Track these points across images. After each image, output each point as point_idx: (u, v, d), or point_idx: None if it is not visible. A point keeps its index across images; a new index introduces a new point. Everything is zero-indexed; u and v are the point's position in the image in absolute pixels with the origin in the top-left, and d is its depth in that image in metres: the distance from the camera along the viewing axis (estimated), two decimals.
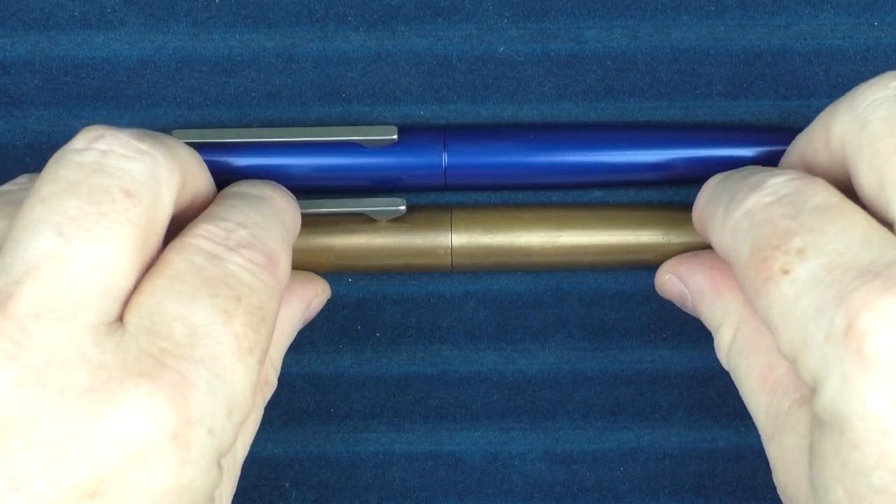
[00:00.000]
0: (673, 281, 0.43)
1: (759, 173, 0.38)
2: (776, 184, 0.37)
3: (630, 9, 0.44)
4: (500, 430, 0.45)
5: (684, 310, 0.43)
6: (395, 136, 0.43)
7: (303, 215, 0.43)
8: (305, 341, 0.45)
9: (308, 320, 0.43)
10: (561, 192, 0.45)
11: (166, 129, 0.44)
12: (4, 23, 0.44)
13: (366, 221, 0.44)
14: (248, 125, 0.45)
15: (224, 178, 0.44)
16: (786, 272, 0.35)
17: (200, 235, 0.36)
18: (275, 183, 0.42)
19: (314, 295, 0.43)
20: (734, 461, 0.45)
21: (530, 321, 0.45)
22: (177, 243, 0.36)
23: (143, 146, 0.36)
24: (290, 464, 0.45)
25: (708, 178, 0.44)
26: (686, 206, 0.44)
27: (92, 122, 0.44)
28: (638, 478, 0.45)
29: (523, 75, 0.45)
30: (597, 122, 0.45)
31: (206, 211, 0.38)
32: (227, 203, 0.38)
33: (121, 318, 0.34)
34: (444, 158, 0.44)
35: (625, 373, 0.45)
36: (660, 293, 0.43)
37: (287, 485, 0.45)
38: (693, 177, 0.44)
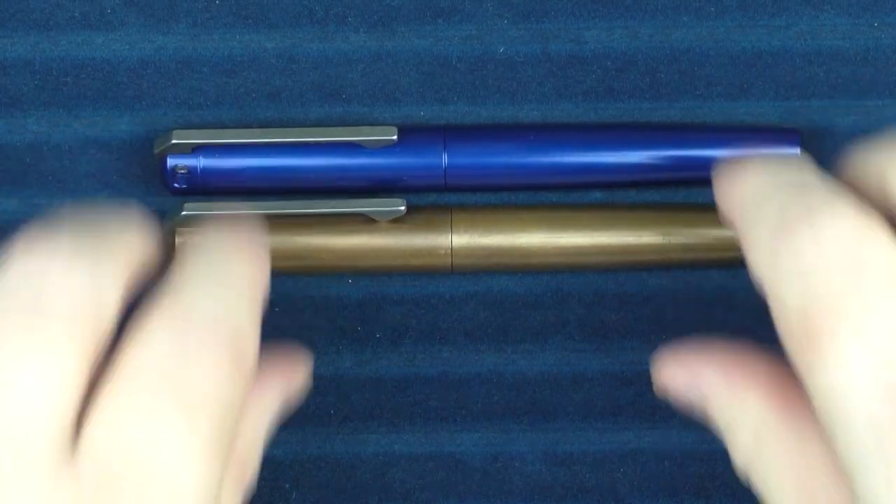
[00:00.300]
0: (678, 375, 0.37)
1: (815, 193, 0.33)
2: (837, 229, 0.31)
3: (630, 9, 0.44)
4: (500, 432, 0.45)
5: (690, 412, 0.37)
6: (395, 137, 0.43)
7: (303, 215, 0.43)
8: (305, 342, 0.45)
9: (289, 401, 0.39)
10: (561, 193, 0.45)
11: (166, 130, 0.44)
12: (4, 23, 0.44)
13: (366, 222, 0.44)
14: (249, 126, 0.45)
15: (224, 178, 0.44)
16: (839, 353, 0.30)
17: (158, 329, 0.33)
18: (244, 231, 0.37)
19: (291, 378, 0.39)
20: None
21: (530, 322, 0.45)
22: (133, 337, 0.33)
23: (79, 262, 0.33)
24: (290, 465, 0.45)
25: (708, 179, 0.44)
26: (686, 207, 0.44)
27: (92, 122, 0.44)
28: (638, 479, 0.45)
29: (523, 76, 0.45)
30: (597, 122, 0.45)
31: (165, 290, 0.34)
32: (188, 280, 0.34)
33: (77, 436, 0.32)
34: (444, 159, 0.44)
35: (625, 374, 0.45)
36: (659, 389, 0.37)
37: (287, 486, 0.45)
38: (693, 178, 0.44)
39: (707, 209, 0.44)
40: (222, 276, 0.35)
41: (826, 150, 0.44)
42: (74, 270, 0.33)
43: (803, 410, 0.34)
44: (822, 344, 0.30)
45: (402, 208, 0.43)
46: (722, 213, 0.35)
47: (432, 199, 0.45)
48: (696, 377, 0.36)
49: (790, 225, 0.32)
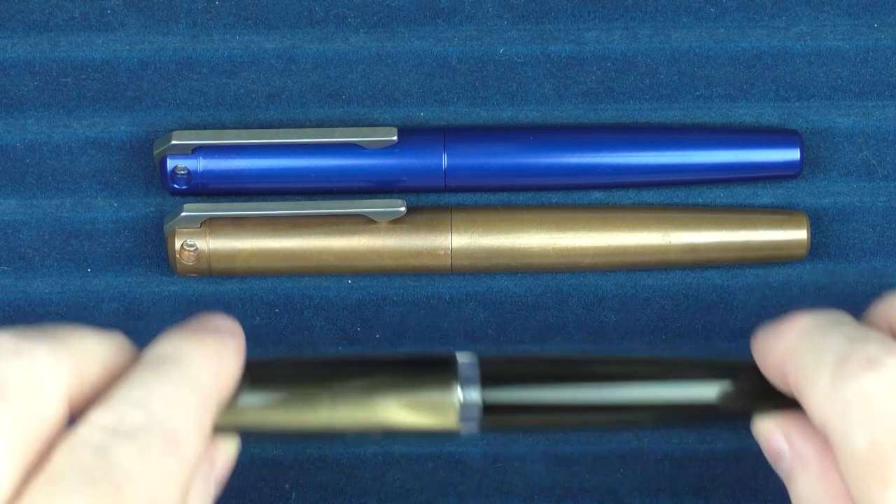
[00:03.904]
0: (778, 437, 0.37)
1: (872, 342, 0.34)
2: None
3: (630, 10, 0.44)
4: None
5: (773, 467, 0.38)
6: (395, 138, 0.43)
7: (303, 216, 0.43)
8: (305, 343, 0.45)
9: (222, 481, 0.38)
10: (561, 194, 0.45)
11: (166, 130, 0.44)
12: (4, 24, 0.44)
13: (366, 223, 0.44)
14: (248, 126, 0.45)
15: (224, 179, 0.44)
16: None
17: (89, 424, 0.33)
18: (213, 325, 0.36)
19: (217, 454, 0.38)
20: (734, 463, 0.45)
21: (530, 323, 0.45)
22: (65, 437, 0.33)
23: (22, 344, 0.33)
24: (290, 465, 0.45)
25: (708, 180, 0.44)
26: (686, 207, 0.44)
27: (92, 122, 0.44)
28: (638, 479, 0.45)
29: (523, 77, 0.45)
30: (597, 123, 0.45)
31: (108, 390, 0.34)
32: (132, 378, 0.34)
33: None
34: (444, 160, 0.44)
35: None
36: (755, 437, 0.38)
37: (287, 486, 0.45)
38: (693, 178, 0.44)
39: (707, 209, 0.44)
40: (171, 373, 0.34)
41: (826, 150, 0.45)
42: (15, 354, 0.33)
43: None
44: (891, 474, 0.32)
45: (402, 209, 0.43)
46: (768, 371, 0.36)
47: (432, 200, 0.45)
48: (794, 445, 0.37)
49: (852, 366, 0.33)
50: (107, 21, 0.44)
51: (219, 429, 0.36)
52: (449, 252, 0.44)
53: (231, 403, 0.36)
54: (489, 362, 0.36)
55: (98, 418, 0.33)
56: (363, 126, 0.44)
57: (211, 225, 0.44)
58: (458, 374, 0.35)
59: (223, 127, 0.44)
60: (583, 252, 0.44)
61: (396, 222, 0.44)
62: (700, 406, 0.37)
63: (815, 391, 0.34)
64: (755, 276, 0.45)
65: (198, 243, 0.43)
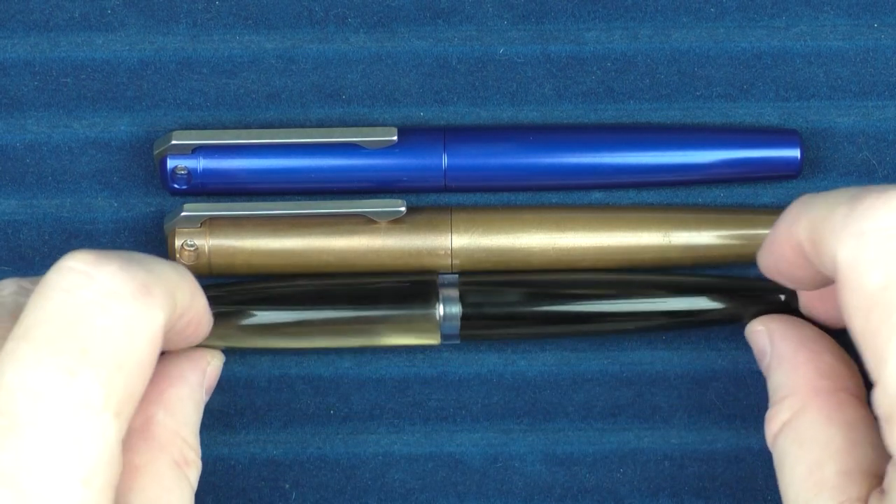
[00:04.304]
0: (762, 335, 0.41)
1: (873, 187, 0.35)
2: None
3: (630, 10, 0.44)
4: (499, 432, 0.45)
5: (759, 366, 0.42)
6: (395, 138, 0.43)
7: (303, 216, 0.43)
8: None
9: (210, 390, 0.42)
10: (561, 194, 0.45)
11: (166, 130, 0.44)
12: (5, 24, 0.44)
13: (366, 222, 0.44)
14: (249, 126, 0.45)
15: (224, 179, 0.44)
16: None
17: (66, 261, 0.34)
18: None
19: (206, 362, 0.41)
20: (734, 463, 0.45)
21: None
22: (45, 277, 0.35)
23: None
24: (290, 465, 0.45)
25: (708, 180, 0.44)
26: (686, 207, 0.44)
27: (92, 122, 0.44)
28: (637, 479, 0.45)
29: (523, 77, 0.45)
30: (597, 123, 0.45)
31: None
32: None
33: None
34: (444, 160, 0.44)
35: (624, 374, 0.45)
36: (746, 337, 0.42)
37: (287, 486, 0.45)
38: (693, 178, 0.44)
39: (707, 209, 0.44)
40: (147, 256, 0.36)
41: (826, 150, 0.45)
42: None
43: (845, 413, 0.38)
44: None
45: (402, 209, 0.43)
46: (783, 254, 0.37)
47: (432, 200, 0.45)
48: (774, 344, 0.40)
49: (867, 201, 0.34)
50: (107, 21, 0.44)
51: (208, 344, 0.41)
52: (449, 252, 0.44)
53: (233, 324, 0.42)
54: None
55: (75, 256, 0.34)
56: (363, 126, 0.44)
57: (211, 225, 0.44)
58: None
59: (223, 127, 0.44)
60: (583, 252, 0.44)
61: (396, 222, 0.44)
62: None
63: (830, 228, 0.34)
64: (755, 276, 0.45)
65: (198, 243, 0.43)
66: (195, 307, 0.37)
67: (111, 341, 0.33)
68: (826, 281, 0.37)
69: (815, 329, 0.41)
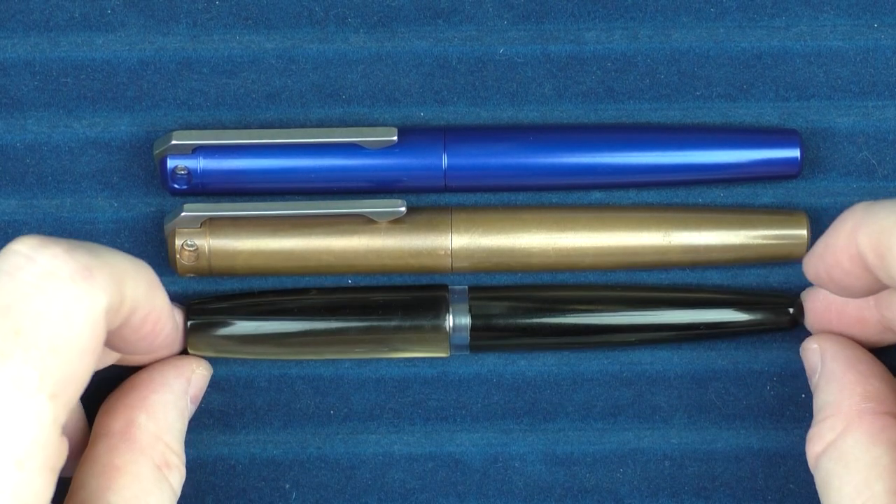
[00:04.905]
0: (815, 353, 0.42)
1: None
2: None
3: (630, 10, 0.44)
4: (500, 432, 0.45)
5: (809, 383, 0.42)
6: (395, 138, 0.43)
7: (303, 216, 0.43)
8: None
9: (196, 399, 0.42)
10: (561, 194, 0.45)
11: (166, 130, 0.44)
12: (5, 24, 0.44)
13: (366, 223, 0.44)
14: (249, 126, 0.45)
15: (224, 179, 0.44)
16: None
17: (12, 244, 0.34)
18: None
19: (191, 370, 0.42)
20: (734, 463, 0.45)
21: None
22: None
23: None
24: (290, 465, 0.45)
25: (708, 180, 0.44)
26: (686, 208, 0.44)
27: (92, 122, 0.44)
28: (637, 479, 0.45)
29: (523, 77, 0.45)
30: (597, 123, 0.45)
31: None
32: None
33: None
34: (444, 160, 0.44)
35: (624, 374, 0.45)
36: (800, 355, 0.42)
37: (287, 486, 0.45)
38: (693, 178, 0.44)
39: (707, 209, 0.44)
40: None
41: (826, 150, 0.45)
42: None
43: (889, 434, 0.38)
44: None
45: (403, 209, 0.43)
46: (841, 263, 0.38)
47: (432, 200, 0.45)
48: (826, 363, 0.41)
49: None
50: (107, 21, 0.44)
51: (193, 352, 0.42)
52: (449, 252, 0.44)
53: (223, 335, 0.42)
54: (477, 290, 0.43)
55: (21, 239, 0.34)
56: (363, 126, 0.44)
57: (211, 225, 0.44)
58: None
59: (223, 127, 0.44)
60: (583, 252, 0.44)
61: (396, 222, 0.44)
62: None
63: None
64: (755, 276, 0.45)
65: (198, 243, 0.43)
66: (154, 304, 0.37)
67: (47, 323, 0.33)
68: (878, 290, 0.37)
69: (867, 352, 0.41)
